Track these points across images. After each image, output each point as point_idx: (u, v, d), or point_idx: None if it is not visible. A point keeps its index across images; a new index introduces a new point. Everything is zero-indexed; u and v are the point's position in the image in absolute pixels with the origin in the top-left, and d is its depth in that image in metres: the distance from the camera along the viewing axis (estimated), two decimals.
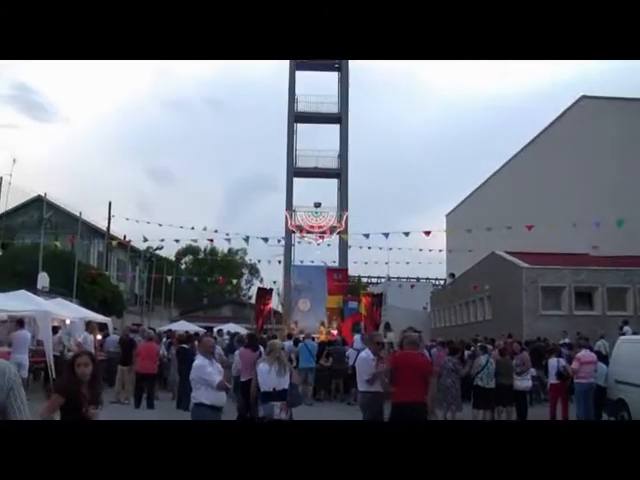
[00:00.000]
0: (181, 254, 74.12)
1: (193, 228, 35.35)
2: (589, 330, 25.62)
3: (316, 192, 50.01)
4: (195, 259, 77.87)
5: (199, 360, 9.73)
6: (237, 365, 15.63)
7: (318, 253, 42.02)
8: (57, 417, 6.06)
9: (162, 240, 35.40)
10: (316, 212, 42.38)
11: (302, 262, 42.31)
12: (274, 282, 43.50)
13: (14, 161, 29.68)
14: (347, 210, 42.90)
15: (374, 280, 72.93)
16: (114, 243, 42.33)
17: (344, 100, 45.11)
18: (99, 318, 25.26)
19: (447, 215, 66.74)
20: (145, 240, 36.60)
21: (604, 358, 17.24)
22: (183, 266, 74.54)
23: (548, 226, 30.53)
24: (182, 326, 35.58)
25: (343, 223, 41.64)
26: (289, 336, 24.77)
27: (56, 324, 22.35)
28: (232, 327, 34.38)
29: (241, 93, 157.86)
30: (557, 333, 26.80)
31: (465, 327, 39.15)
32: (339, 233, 41.08)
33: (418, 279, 64.59)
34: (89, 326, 21.89)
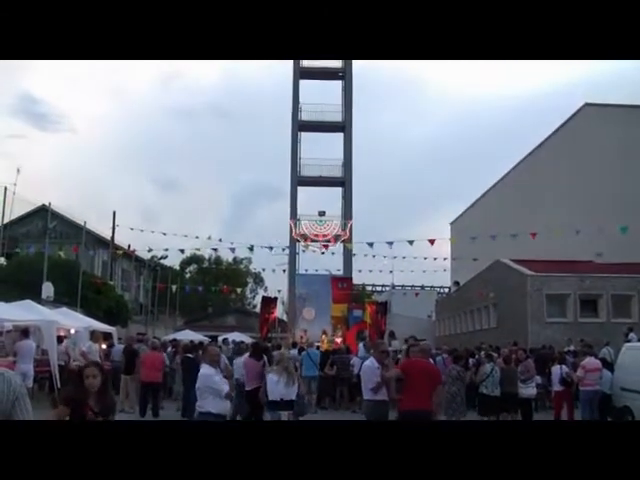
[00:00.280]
0: (186, 263, 74.25)
1: (197, 237, 35.61)
2: (594, 337, 25.58)
3: (320, 201, 50.28)
4: (200, 268, 77.92)
5: (206, 369, 9.75)
6: (237, 374, 15.60)
7: (323, 262, 42.07)
8: None
9: (166, 250, 35.49)
10: (320, 221, 42.43)
11: (307, 271, 42.37)
12: (279, 291, 43.70)
13: (18, 171, 29.79)
14: (351, 218, 42.95)
15: (379, 288, 72.90)
16: (119, 252, 42.42)
17: (348, 108, 45.19)
18: (104, 328, 25.27)
19: (451, 223, 66.67)
20: (149, 250, 36.74)
21: (609, 365, 17.19)
22: (188, 275, 74.60)
23: (553, 233, 30.49)
24: (187, 335, 35.60)
25: (347, 231, 41.67)
26: (294, 344, 24.77)
27: (62, 334, 22.40)
28: (237, 336, 34.38)
29: (246, 102, 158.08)
30: (562, 340, 26.80)
31: (470, 335, 39.09)
32: (343, 242, 41.10)
33: (423, 287, 64.57)
34: (94, 335, 21.92)
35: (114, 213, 42.16)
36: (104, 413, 6.12)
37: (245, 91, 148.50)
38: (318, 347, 26.24)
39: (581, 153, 40.28)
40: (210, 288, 56.93)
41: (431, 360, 16.35)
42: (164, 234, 33.59)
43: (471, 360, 19.54)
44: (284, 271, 41.67)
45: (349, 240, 40.63)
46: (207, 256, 73.94)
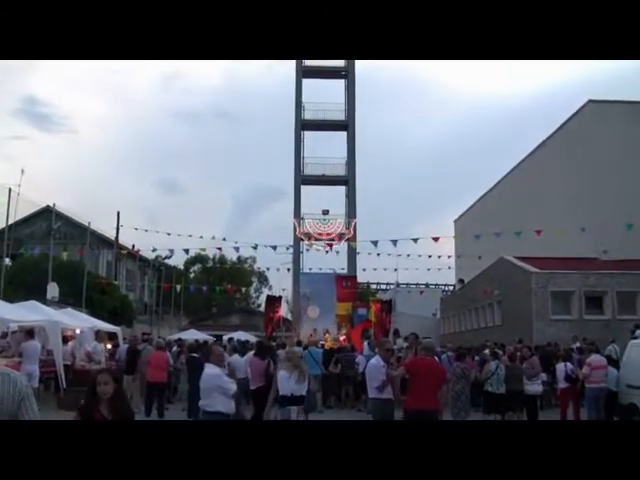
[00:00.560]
0: (190, 263, 74.36)
1: (202, 237, 35.65)
2: (599, 335, 25.55)
3: (324, 199, 50.11)
4: (204, 268, 78.03)
5: (213, 369, 9.76)
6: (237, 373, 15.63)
7: (327, 260, 42.07)
8: None
9: (171, 250, 35.49)
10: (324, 219, 42.40)
11: (311, 269, 42.39)
12: (283, 290, 43.63)
13: (23, 172, 29.68)
14: (355, 217, 42.91)
15: (383, 287, 72.82)
16: (123, 253, 42.46)
17: (351, 107, 45.16)
18: (109, 328, 25.29)
19: (455, 221, 66.68)
20: (154, 250, 36.75)
21: (615, 362, 17.16)
22: (192, 275, 74.72)
23: (557, 231, 30.44)
24: (192, 335, 35.70)
25: (351, 230, 41.64)
26: (298, 343, 24.78)
27: (69, 334, 22.44)
28: (242, 335, 34.48)
29: (248, 102, 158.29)
30: (567, 338, 26.73)
31: (475, 333, 39.08)
32: (347, 240, 41.08)
33: (427, 285, 64.40)
34: (99, 336, 21.94)
35: (118, 213, 42.24)
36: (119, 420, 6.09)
37: (247, 91, 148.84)
38: (323, 345, 26.24)
39: (585, 150, 40.18)
40: (214, 288, 56.96)
41: (436, 358, 16.41)
42: (168, 234, 33.64)
43: (476, 358, 19.54)
44: (288, 270, 41.73)
45: (353, 239, 40.61)
46: (211, 256, 74.20)
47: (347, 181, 44.78)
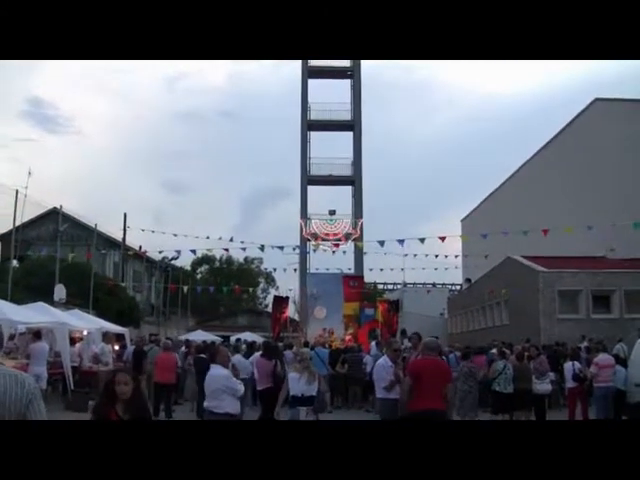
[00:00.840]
0: (197, 264, 74.43)
1: (208, 238, 35.52)
2: (607, 333, 25.47)
3: (330, 199, 50.20)
4: (211, 268, 78.12)
5: (221, 370, 9.73)
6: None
7: (334, 260, 42.08)
8: None
9: (178, 251, 35.50)
10: (331, 219, 42.46)
11: (318, 270, 42.39)
12: (290, 290, 43.59)
13: (29, 174, 29.74)
14: (362, 217, 42.95)
15: (390, 287, 72.81)
16: (130, 254, 42.52)
17: (357, 107, 45.21)
18: (116, 329, 25.34)
19: (462, 220, 66.55)
20: (161, 251, 36.79)
21: (622, 361, 17.10)
22: (199, 276, 74.78)
23: (564, 230, 30.35)
24: (199, 335, 35.75)
25: (358, 230, 41.66)
26: (306, 344, 24.79)
27: (77, 335, 22.49)
28: (249, 336, 34.51)
29: (254, 103, 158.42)
30: (575, 337, 26.67)
31: (482, 332, 39.03)
32: (354, 240, 41.09)
33: (434, 285, 64.34)
34: (106, 337, 21.99)
35: (125, 215, 42.39)
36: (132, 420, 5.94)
37: (253, 92, 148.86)
38: (330, 345, 26.25)
39: (592, 148, 40.09)
40: (221, 288, 56.99)
41: (444, 358, 16.37)
42: (175, 235, 33.64)
43: (484, 357, 19.51)
44: (295, 270, 41.70)
45: (360, 238, 40.63)
46: (218, 256, 74.27)
47: (353, 181, 44.84)
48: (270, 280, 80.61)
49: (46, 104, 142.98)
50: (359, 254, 41.79)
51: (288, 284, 52.37)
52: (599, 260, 34.79)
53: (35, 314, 19.58)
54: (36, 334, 18.49)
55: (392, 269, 43.02)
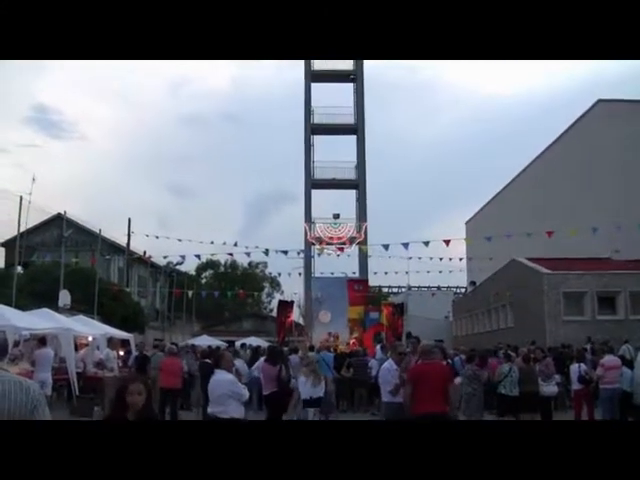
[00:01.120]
0: (201, 269, 74.49)
1: (213, 242, 35.48)
2: (612, 335, 25.40)
3: (334, 203, 50.24)
4: (215, 273, 78.21)
5: (226, 375, 9.71)
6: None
7: (338, 264, 42.09)
8: None
9: (183, 256, 35.54)
10: (335, 223, 42.51)
11: (322, 274, 42.42)
12: (295, 294, 43.67)
13: (34, 179, 29.84)
14: (366, 221, 42.99)
15: (395, 290, 72.73)
16: (134, 259, 42.56)
17: (360, 111, 45.27)
18: (121, 334, 25.35)
19: (466, 223, 66.49)
20: (165, 256, 36.82)
21: (628, 363, 17.06)
22: (204, 281, 74.86)
23: (568, 231, 30.31)
24: (205, 340, 35.76)
25: (362, 234, 41.68)
26: (311, 348, 24.78)
27: (83, 342, 22.51)
28: (254, 340, 34.52)
29: (258, 107, 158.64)
30: (580, 339, 26.62)
31: (487, 335, 38.96)
32: (359, 244, 41.12)
33: (439, 288, 64.29)
34: (111, 343, 22.00)
35: (129, 220, 42.40)
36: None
37: (256, 96, 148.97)
38: (335, 349, 26.23)
39: (595, 149, 40.02)
40: (226, 293, 57.04)
41: (449, 361, 16.32)
42: (179, 240, 33.66)
43: (490, 360, 19.45)
44: (300, 274, 41.74)
45: (364, 242, 40.67)
46: (223, 261, 74.36)
47: (357, 185, 44.87)
48: (275, 284, 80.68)
49: (50, 109, 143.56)
50: (363, 258, 41.82)
51: (293, 288, 52.54)
52: (604, 261, 34.72)
53: (40, 320, 19.62)
54: (41, 340, 18.52)
55: (397, 272, 43.04)
